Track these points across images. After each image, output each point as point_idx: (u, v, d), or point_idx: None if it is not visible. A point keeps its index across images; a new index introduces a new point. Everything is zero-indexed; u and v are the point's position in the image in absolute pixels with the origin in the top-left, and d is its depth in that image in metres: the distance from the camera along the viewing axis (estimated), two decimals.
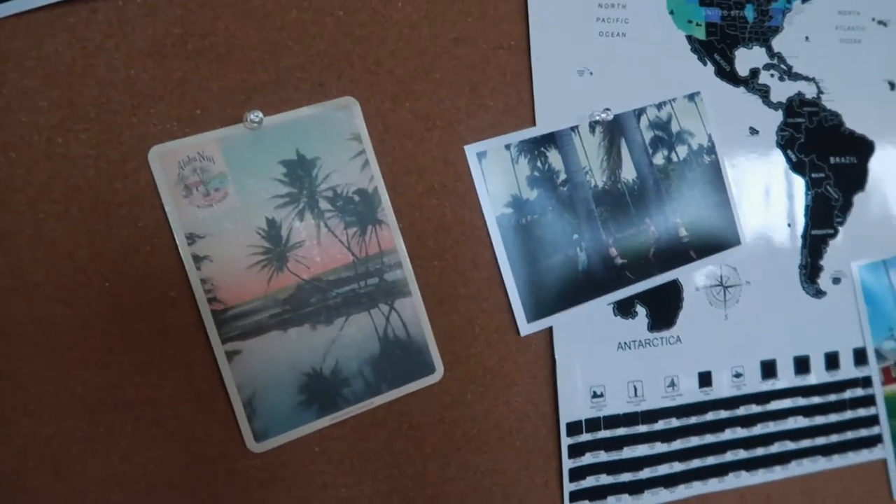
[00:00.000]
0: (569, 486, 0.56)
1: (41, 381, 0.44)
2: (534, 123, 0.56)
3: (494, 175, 0.55)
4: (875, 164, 0.67)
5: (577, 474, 0.57)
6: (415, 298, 0.53)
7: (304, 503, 0.49)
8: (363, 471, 0.51)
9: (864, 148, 0.67)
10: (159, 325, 0.47)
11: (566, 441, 0.56)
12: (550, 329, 0.56)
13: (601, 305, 0.58)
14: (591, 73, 0.58)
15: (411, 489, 0.52)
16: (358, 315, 0.51)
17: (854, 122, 0.67)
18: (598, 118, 0.57)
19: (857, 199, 0.67)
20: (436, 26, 0.54)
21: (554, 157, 0.57)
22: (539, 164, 0.56)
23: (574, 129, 0.57)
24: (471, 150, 0.55)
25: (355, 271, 0.51)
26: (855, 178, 0.67)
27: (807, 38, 0.65)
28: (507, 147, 0.56)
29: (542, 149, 0.56)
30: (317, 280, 0.50)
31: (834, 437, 0.65)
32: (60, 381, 0.45)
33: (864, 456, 0.66)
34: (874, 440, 0.66)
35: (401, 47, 0.53)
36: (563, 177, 0.57)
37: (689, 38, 0.62)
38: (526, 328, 0.55)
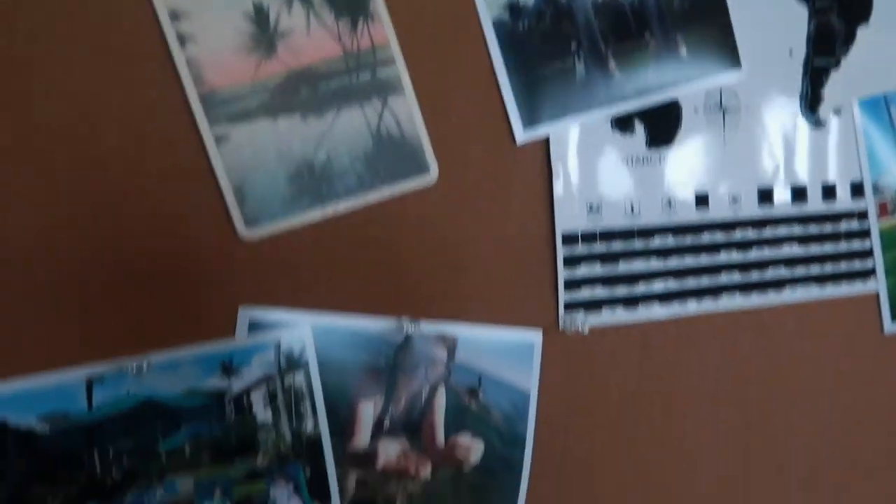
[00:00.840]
0: (564, 296, 0.56)
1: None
2: None
3: None
4: None
5: (572, 285, 0.56)
6: (408, 97, 0.51)
7: (294, 294, 0.49)
8: (355, 266, 0.50)
9: None
10: (144, 103, 0.45)
11: (562, 251, 0.56)
12: (547, 140, 0.55)
13: (599, 119, 0.57)
14: None
15: (403, 291, 0.52)
16: (349, 109, 0.50)
17: None
18: None
19: (861, 31, 0.65)
20: None
21: None
22: None
23: None
24: None
25: (346, 65, 0.50)
26: (860, 10, 0.65)
27: None
28: None
29: None
30: (307, 70, 0.49)
31: (828, 267, 0.65)
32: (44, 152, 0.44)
33: (858, 288, 0.66)
34: (868, 273, 0.66)
35: None
36: None
37: None
38: (522, 135, 0.54)
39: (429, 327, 0.52)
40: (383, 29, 0.50)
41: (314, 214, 0.49)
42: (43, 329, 0.43)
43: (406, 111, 0.51)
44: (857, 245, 0.65)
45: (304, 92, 0.49)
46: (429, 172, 0.52)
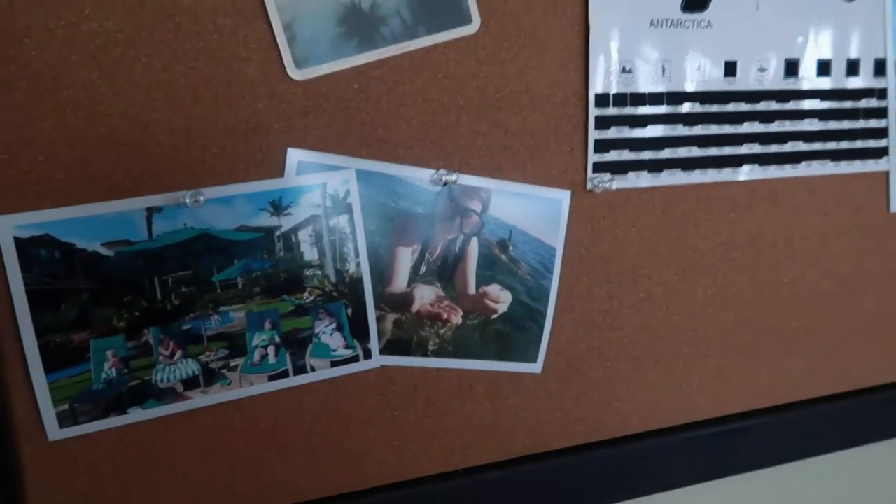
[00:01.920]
0: (593, 157, 0.60)
1: None
2: None
3: None
4: None
5: (601, 146, 0.61)
6: None
7: (341, 137, 0.52)
8: (399, 114, 0.54)
9: None
10: None
11: (594, 112, 0.60)
12: None
13: None
14: None
15: (442, 142, 0.55)
16: None
17: None
18: None
19: None
20: None
21: None
22: None
23: None
24: None
25: None
26: None
27: None
28: None
29: None
30: None
31: (844, 144, 0.70)
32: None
33: (870, 166, 0.71)
34: (881, 152, 0.71)
35: None
36: None
37: None
38: None
39: (465, 179, 0.56)
40: None
41: (360, 58, 0.51)
42: (109, 162, 0.46)
43: None
44: (873, 123, 0.70)
45: None
46: (471, 22, 0.54)
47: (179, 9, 0.47)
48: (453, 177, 0.55)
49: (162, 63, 0.47)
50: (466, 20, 0.54)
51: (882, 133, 0.71)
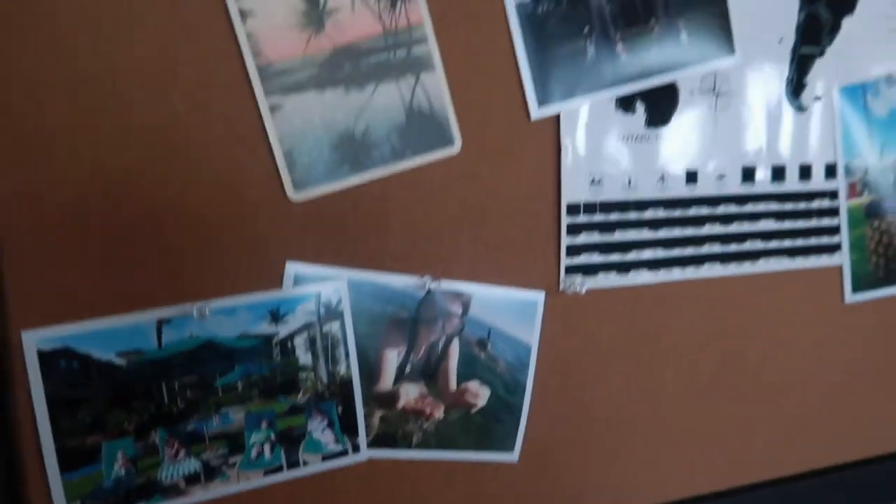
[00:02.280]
0: (565, 261, 0.67)
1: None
2: None
3: None
4: None
5: (573, 251, 0.67)
6: (438, 73, 0.60)
7: (335, 250, 0.58)
8: (387, 228, 0.60)
9: None
10: (208, 74, 0.53)
11: (566, 220, 0.66)
12: (558, 116, 0.64)
13: (605, 98, 0.66)
14: None
15: (427, 251, 0.62)
16: (387, 84, 0.59)
17: None
18: None
19: (847, 21, 0.75)
20: None
21: None
22: None
23: None
24: None
25: (385, 42, 0.58)
26: (847, 1, 0.75)
27: None
28: None
29: None
30: (350, 46, 0.57)
31: (800, 242, 0.76)
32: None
33: (824, 261, 0.78)
34: (834, 247, 0.78)
35: None
36: None
37: None
38: (536, 112, 0.64)
39: (447, 285, 0.62)
40: (419, 9, 0.58)
41: (353, 180, 0.58)
42: (122, 276, 0.52)
43: (436, 87, 0.60)
44: (826, 222, 0.77)
45: (348, 67, 0.57)
46: (454, 144, 0.61)
47: (192, 141, 0.53)
48: (436, 283, 0.61)
49: (174, 189, 0.53)
50: (449, 142, 0.61)
51: (835, 230, 0.78)
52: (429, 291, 0.61)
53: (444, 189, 0.62)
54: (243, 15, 0.54)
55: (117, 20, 0.51)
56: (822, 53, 0.74)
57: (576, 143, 0.66)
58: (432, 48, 0.60)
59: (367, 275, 0.59)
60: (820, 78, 0.75)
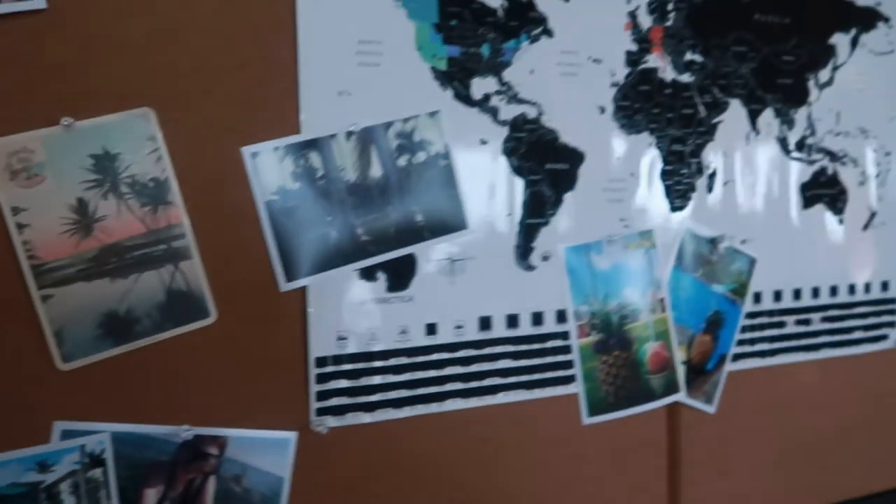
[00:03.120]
0: (315, 405, 0.81)
1: None
2: (298, 131, 0.79)
3: (265, 170, 0.78)
4: (585, 170, 0.94)
5: (323, 396, 0.81)
6: (195, 261, 0.75)
7: (100, 409, 0.72)
8: (148, 388, 0.74)
9: (576, 158, 0.93)
10: None
11: (314, 371, 0.81)
12: (305, 287, 0.80)
13: (348, 271, 0.82)
14: (350, 94, 0.81)
15: (191, 403, 0.75)
16: (149, 272, 0.73)
17: (569, 137, 0.92)
18: (350, 129, 0.81)
19: (568, 196, 0.93)
20: (224, 54, 0.75)
21: (314, 158, 0.80)
22: (301, 163, 0.79)
23: (332, 136, 0.80)
24: (246, 151, 0.77)
25: (147, 240, 0.73)
26: (567, 181, 0.93)
27: (532, 71, 0.90)
28: (276, 149, 0.78)
29: (305, 151, 0.79)
30: (116, 244, 0.72)
31: (536, 376, 0.92)
32: None
33: (561, 391, 0.93)
34: (570, 379, 0.94)
35: (194, 69, 0.74)
36: (321, 173, 0.80)
37: (433, 69, 0.85)
38: (284, 286, 0.79)
39: (206, 430, 0.76)
40: (178, 212, 0.74)
41: (117, 350, 0.72)
42: None
43: (193, 272, 0.75)
44: (561, 358, 0.93)
45: (114, 261, 0.72)
46: (210, 316, 0.75)
47: None
48: (190, 431, 0.75)
49: None
50: (206, 315, 0.76)
51: (569, 364, 0.94)
52: (185, 439, 0.75)
53: (203, 353, 0.76)
54: (19, 227, 0.69)
55: None
56: (547, 223, 0.92)
57: (323, 307, 0.81)
58: (190, 241, 0.75)
59: (130, 427, 0.73)
60: (548, 241, 0.92)
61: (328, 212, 0.80)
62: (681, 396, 1.00)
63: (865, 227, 1.14)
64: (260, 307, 0.78)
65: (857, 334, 1.14)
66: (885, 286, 1.17)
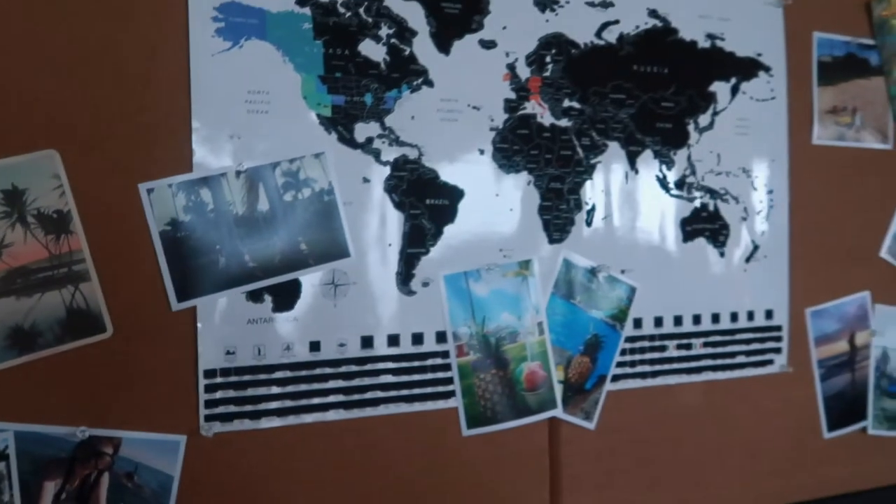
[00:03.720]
0: (204, 412, 0.92)
1: None
2: (190, 170, 0.91)
3: (159, 204, 0.89)
4: (464, 205, 1.04)
5: (211, 404, 0.92)
6: (94, 282, 0.87)
7: (7, 412, 0.83)
8: (52, 391, 0.85)
9: (456, 194, 1.04)
10: None
11: (203, 381, 0.92)
12: (196, 307, 0.91)
13: (237, 293, 0.93)
14: (240, 137, 0.93)
15: (90, 407, 0.86)
16: (51, 292, 0.85)
17: (448, 176, 1.03)
18: (238, 169, 0.92)
19: (448, 228, 1.04)
20: (124, 101, 0.88)
21: (205, 194, 0.91)
22: (193, 198, 0.91)
23: (223, 174, 0.92)
24: (142, 187, 0.89)
25: (50, 263, 0.85)
26: (447, 215, 1.04)
27: (413, 117, 1.01)
28: (170, 186, 0.90)
29: (196, 188, 0.91)
30: (22, 268, 0.84)
31: (417, 391, 1.02)
32: None
33: (442, 404, 1.03)
34: (450, 394, 1.04)
35: (96, 115, 0.86)
36: (210, 207, 0.92)
37: (319, 115, 0.97)
38: (176, 306, 0.90)
39: (101, 431, 0.86)
40: (79, 240, 0.86)
41: (22, 359, 0.83)
42: None
43: (92, 292, 0.86)
44: (441, 375, 1.03)
45: (20, 282, 0.83)
46: (106, 332, 0.87)
47: None
48: (85, 432, 0.86)
49: None
50: (103, 329, 0.87)
51: (449, 381, 1.04)
52: (82, 438, 0.85)
53: (99, 362, 0.87)
54: None
55: None
56: (427, 252, 1.02)
57: (212, 325, 0.92)
58: (89, 266, 0.86)
59: (33, 426, 0.84)
60: (428, 269, 1.02)
61: (217, 241, 0.92)
62: (558, 412, 1.09)
63: (748, 259, 1.24)
64: (153, 324, 0.89)
65: (741, 359, 1.23)
66: (769, 314, 1.25)
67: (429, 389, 1.03)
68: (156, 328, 0.90)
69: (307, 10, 0.96)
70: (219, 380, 0.92)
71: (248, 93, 0.93)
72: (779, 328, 1.26)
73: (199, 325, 0.91)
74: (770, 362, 1.26)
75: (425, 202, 1.03)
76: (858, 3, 1.33)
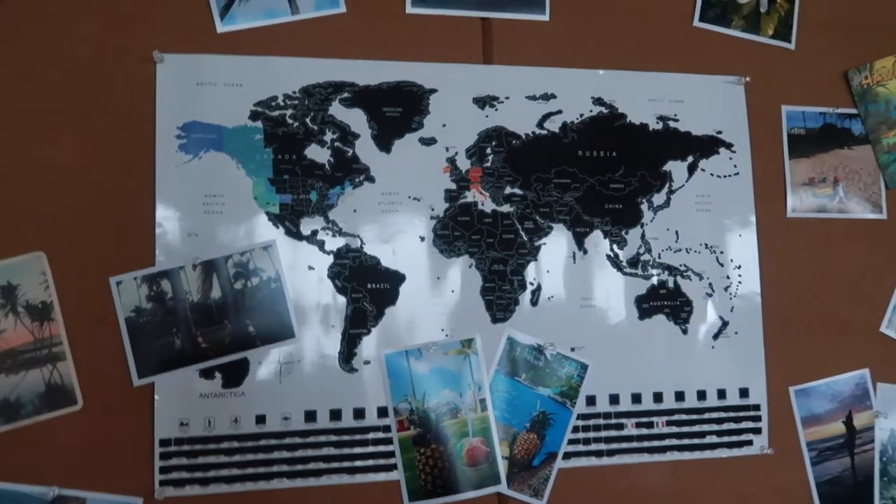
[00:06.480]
0: (158, 477, 1.06)
1: None
2: (153, 264, 1.09)
3: (126, 294, 1.07)
4: (406, 289, 1.16)
5: (165, 470, 1.07)
6: (69, 361, 1.05)
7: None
8: (28, 457, 1.03)
9: (397, 278, 1.16)
10: None
11: (158, 449, 1.07)
12: (154, 383, 1.07)
13: (190, 371, 1.08)
14: (197, 235, 1.10)
15: (57, 475, 1.03)
16: (34, 370, 1.04)
17: (389, 262, 1.16)
18: (194, 262, 1.09)
19: (389, 310, 1.15)
20: (98, 208, 1.08)
21: (165, 285, 1.09)
22: (155, 288, 1.09)
23: (181, 267, 1.09)
24: (112, 280, 1.07)
25: (34, 346, 1.05)
26: (389, 298, 1.15)
27: (355, 210, 1.15)
28: (136, 278, 1.08)
29: (158, 279, 1.09)
30: (11, 349, 1.04)
31: (358, 463, 1.12)
32: None
33: (383, 477, 1.12)
34: (391, 467, 1.13)
35: (74, 223, 1.07)
36: (170, 296, 1.09)
37: (268, 213, 1.13)
38: (137, 382, 1.07)
39: (69, 492, 1.03)
40: (58, 326, 1.05)
41: (6, 427, 1.02)
42: None
43: (66, 370, 1.05)
44: (382, 448, 1.12)
45: (9, 362, 1.03)
46: (77, 404, 1.04)
47: None
48: (58, 492, 1.02)
49: None
50: (74, 402, 1.05)
51: (390, 454, 1.13)
52: (52, 497, 1.02)
53: (70, 431, 1.04)
54: None
55: None
56: (368, 332, 1.14)
57: (168, 398, 1.07)
58: (66, 347, 1.05)
59: (10, 485, 1.02)
60: (369, 348, 1.14)
61: (174, 325, 1.08)
62: (501, 488, 1.15)
63: (716, 336, 1.25)
64: (117, 397, 1.06)
65: (712, 438, 1.23)
66: (744, 393, 1.25)
67: (370, 462, 1.12)
68: (119, 401, 1.06)
69: (259, 123, 1.14)
70: (173, 448, 1.07)
71: (205, 196, 1.11)
72: (757, 407, 1.25)
73: (156, 398, 1.07)
74: (749, 443, 1.24)
75: (367, 286, 1.15)
76: (833, 74, 1.34)
